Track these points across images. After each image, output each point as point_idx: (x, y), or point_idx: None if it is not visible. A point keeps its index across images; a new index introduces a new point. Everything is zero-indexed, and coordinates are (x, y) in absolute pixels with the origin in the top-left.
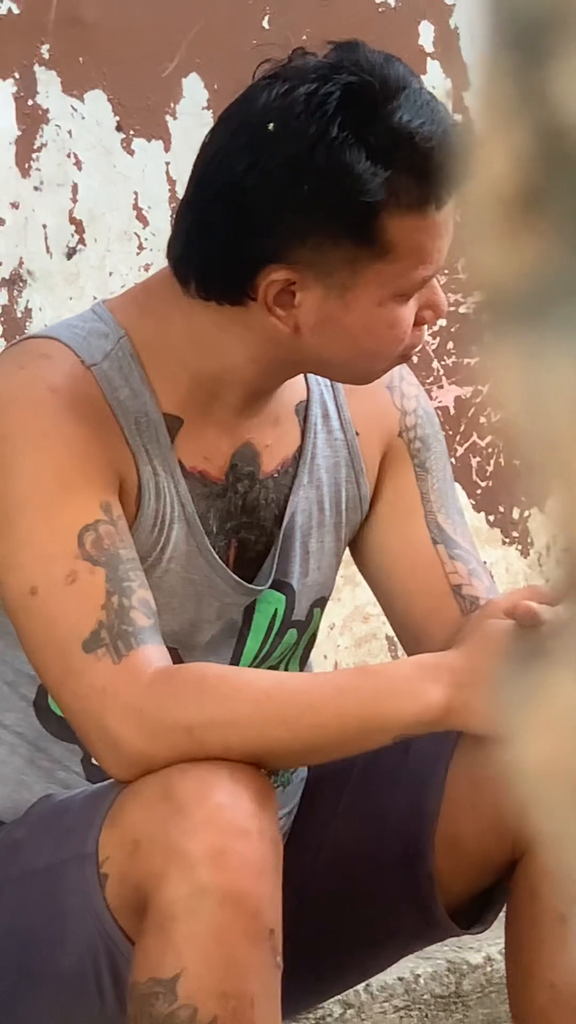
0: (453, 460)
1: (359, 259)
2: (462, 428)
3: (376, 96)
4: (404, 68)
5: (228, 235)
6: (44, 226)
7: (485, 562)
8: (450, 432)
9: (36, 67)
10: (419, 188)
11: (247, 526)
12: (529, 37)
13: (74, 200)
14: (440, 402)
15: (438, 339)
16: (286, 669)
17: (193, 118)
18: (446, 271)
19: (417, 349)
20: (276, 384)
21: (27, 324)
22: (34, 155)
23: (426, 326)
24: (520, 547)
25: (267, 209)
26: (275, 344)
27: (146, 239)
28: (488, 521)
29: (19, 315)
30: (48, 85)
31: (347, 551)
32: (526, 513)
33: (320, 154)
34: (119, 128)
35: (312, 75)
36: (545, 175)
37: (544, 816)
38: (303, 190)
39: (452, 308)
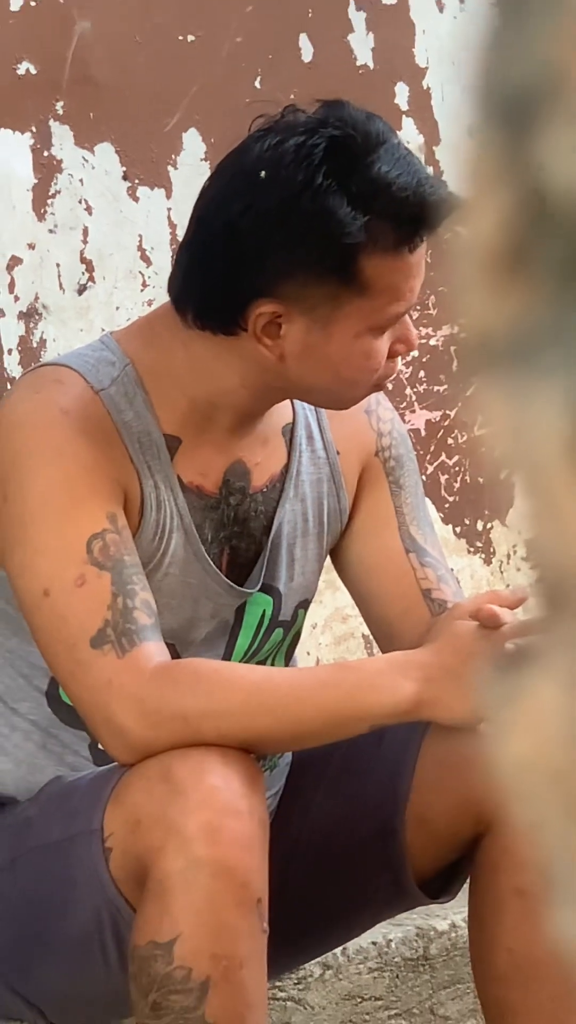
0: (424, 477)
1: (339, 295)
2: (432, 448)
3: (358, 149)
4: (384, 124)
5: (223, 271)
6: (58, 265)
7: (452, 569)
8: (421, 452)
9: (51, 122)
10: (395, 232)
11: (238, 535)
12: (514, 108)
13: (85, 242)
14: (412, 425)
15: (411, 368)
16: (273, 664)
17: (192, 169)
18: (418, 307)
19: (391, 378)
20: (265, 408)
21: (42, 353)
22: (49, 201)
23: (399, 358)
24: (483, 556)
25: (258, 248)
26: (264, 371)
27: (149, 277)
28: (455, 532)
29: (35, 345)
30: (62, 138)
31: (328, 558)
32: (489, 525)
33: (307, 199)
34: (125, 177)
35: (301, 129)
36: (529, 234)
37: (522, 806)
38: (291, 231)
39: (423, 340)
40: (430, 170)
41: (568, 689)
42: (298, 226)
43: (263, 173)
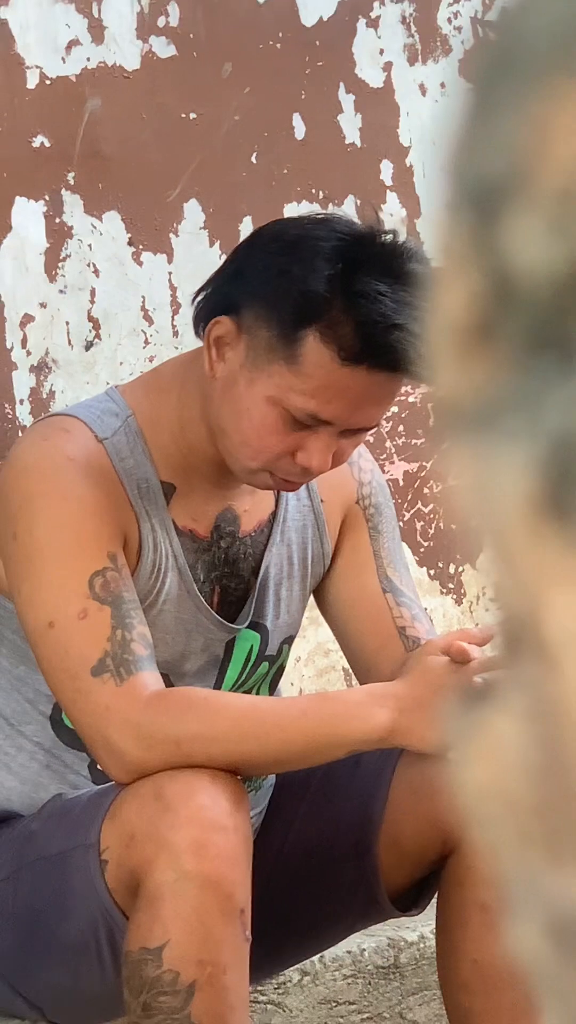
0: (401, 523)
1: (275, 351)
2: (409, 497)
3: (383, 264)
4: (420, 277)
5: (221, 278)
6: (67, 323)
7: (426, 608)
8: (399, 500)
9: (63, 191)
10: (349, 339)
11: (228, 575)
12: (483, 193)
13: (92, 302)
14: (391, 475)
15: (390, 423)
16: (258, 694)
17: (192, 236)
18: None
19: (293, 480)
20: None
21: (51, 404)
22: (59, 264)
23: (307, 470)
24: (455, 597)
25: (253, 261)
26: (203, 393)
27: (151, 335)
28: (429, 575)
29: (44, 396)
30: (73, 206)
31: (312, 597)
32: (460, 569)
33: (308, 247)
34: (131, 243)
35: (367, 226)
36: (494, 311)
37: (481, 830)
38: (278, 262)
39: (402, 397)
40: (420, 355)
41: (524, 723)
42: (285, 262)
43: (307, 222)
